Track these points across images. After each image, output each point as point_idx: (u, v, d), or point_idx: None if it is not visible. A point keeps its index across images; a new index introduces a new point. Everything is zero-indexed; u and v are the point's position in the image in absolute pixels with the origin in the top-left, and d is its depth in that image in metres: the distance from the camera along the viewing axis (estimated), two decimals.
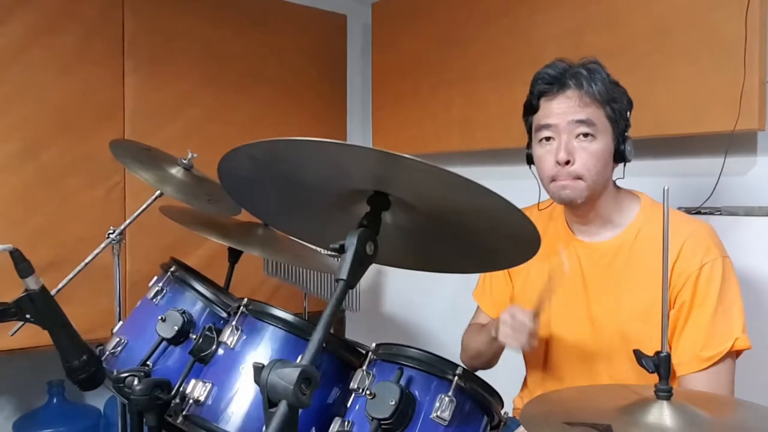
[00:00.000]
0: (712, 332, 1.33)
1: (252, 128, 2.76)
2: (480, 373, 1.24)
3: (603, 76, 1.37)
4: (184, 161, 1.85)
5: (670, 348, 1.37)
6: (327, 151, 0.91)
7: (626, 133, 1.41)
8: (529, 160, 1.50)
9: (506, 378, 1.53)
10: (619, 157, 1.41)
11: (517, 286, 1.62)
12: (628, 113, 1.42)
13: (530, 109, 1.45)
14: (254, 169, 1.02)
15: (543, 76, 1.40)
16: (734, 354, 1.35)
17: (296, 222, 1.25)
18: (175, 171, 1.84)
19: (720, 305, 1.34)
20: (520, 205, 0.90)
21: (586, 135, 1.35)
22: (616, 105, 1.37)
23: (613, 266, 1.44)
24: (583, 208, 1.46)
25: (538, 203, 1.57)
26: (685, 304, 1.36)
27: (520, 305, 1.42)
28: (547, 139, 1.40)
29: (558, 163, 1.37)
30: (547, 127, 1.39)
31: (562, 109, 1.36)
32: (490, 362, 1.62)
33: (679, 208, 1.93)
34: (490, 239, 1.04)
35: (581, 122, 1.35)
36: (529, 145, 1.49)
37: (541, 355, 1.55)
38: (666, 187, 0.99)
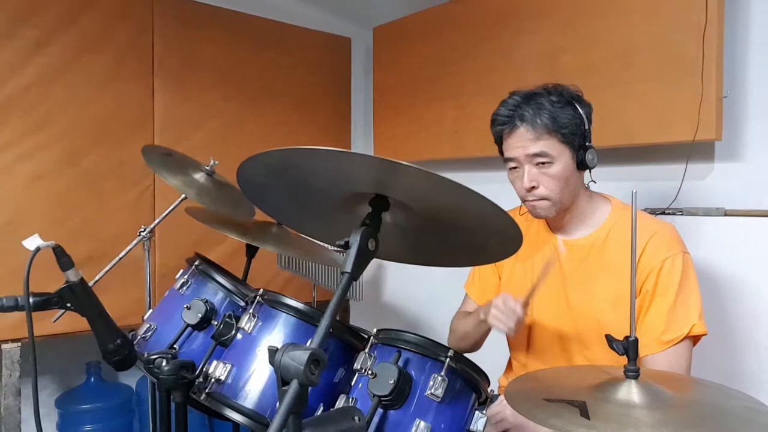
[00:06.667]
0: (672, 319, 1.34)
1: (267, 138, 2.75)
2: (468, 355, 1.24)
3: (548, 107, 1.36)
4: (207, 167, 1.85)
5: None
6: (334, 159, 0.91)
7: (586, 143, 1.40)
8: None
9: (492, 360, 1.52)
10: (582, 166, 1.41)
11: (504, 278, 1.62)
12: (586, 126, 1.40)
13: (497, 141, 1.47)
14: (269, 175, 1.02)
15: (497, 117, 1.42)
16: (691, 339, 1.35)
17: (306, 221, 1.25)
18: (199, 176, 1.83)
19: (680, 295, 1.34)
20: (504, 206, 0.90)
21: (543, 163, 1.37)
22: (566, 129, 1.36)
23: (588, 260, 1.44)
24: (559, 218, 1.47)
25: (519, 207, 1.57)
26: (648, 293, 1.36)
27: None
28: (514, 167, 1.43)
29: (524, 188, 1.40)
30: (510, 159, 1.42)
31: (518, 145, 1.39)
32: (476, 344, 1.61)
33: (645, 209, 1.94)
34: (478, 236, 1.04)
35: (536, 155, 1.37)
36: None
37: (524, 339, 1.55)
38: (634, 191, 0.99)
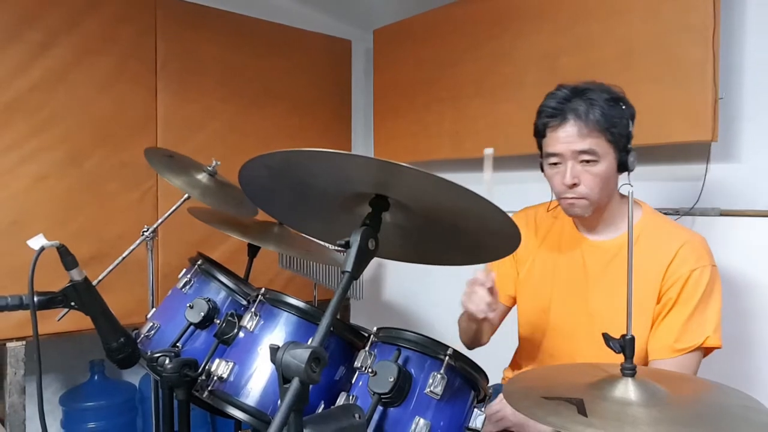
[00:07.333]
0: (687, 328, 1.32)
1: (268, 139, 2.76)
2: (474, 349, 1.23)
3: (601, 104, 1.31)
4: (209, 168, 1.85)
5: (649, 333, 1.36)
6: (334, 160, 0.92)
7: (629, 146, 1.36)
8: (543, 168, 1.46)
9: (499, 351, 1.50)
10: (622, 168, 1.37)
11: (522, 275, 1.58)
12: (630, 126, 1.35)
13: (539, 134, 1.41)
14: (270, 176, 1.02)
15: (546, 109, 1.36)
16: (703, 350, 1.33)
17: (307, 221, 1.25)
18: (201, 177, 1.84)
19: (699, 306, 1.32)
20: (503, 206, 0.90)
21: (588, 161, 1.33)
22: (616, 129, 1.31)
23: (614, 263, 1.41)
24: (590, 218, 1.42)
25: (549, 203, 1.53)
26: (670, 300, 1.34)
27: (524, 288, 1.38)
28: (555, 163, 1.37)
29: (565, 185, 1.35)
30: (553, 154, 1.37)
31: (565, 140, 1.33)
32: (476, 339, 1.53)
33: None
34: (476, 236, 1.04)
35: (583, 152, 1.32)
36: (541, 155, 1.44)
37: (538, 339, 1.52)
38: (631, 190, 1.00)
